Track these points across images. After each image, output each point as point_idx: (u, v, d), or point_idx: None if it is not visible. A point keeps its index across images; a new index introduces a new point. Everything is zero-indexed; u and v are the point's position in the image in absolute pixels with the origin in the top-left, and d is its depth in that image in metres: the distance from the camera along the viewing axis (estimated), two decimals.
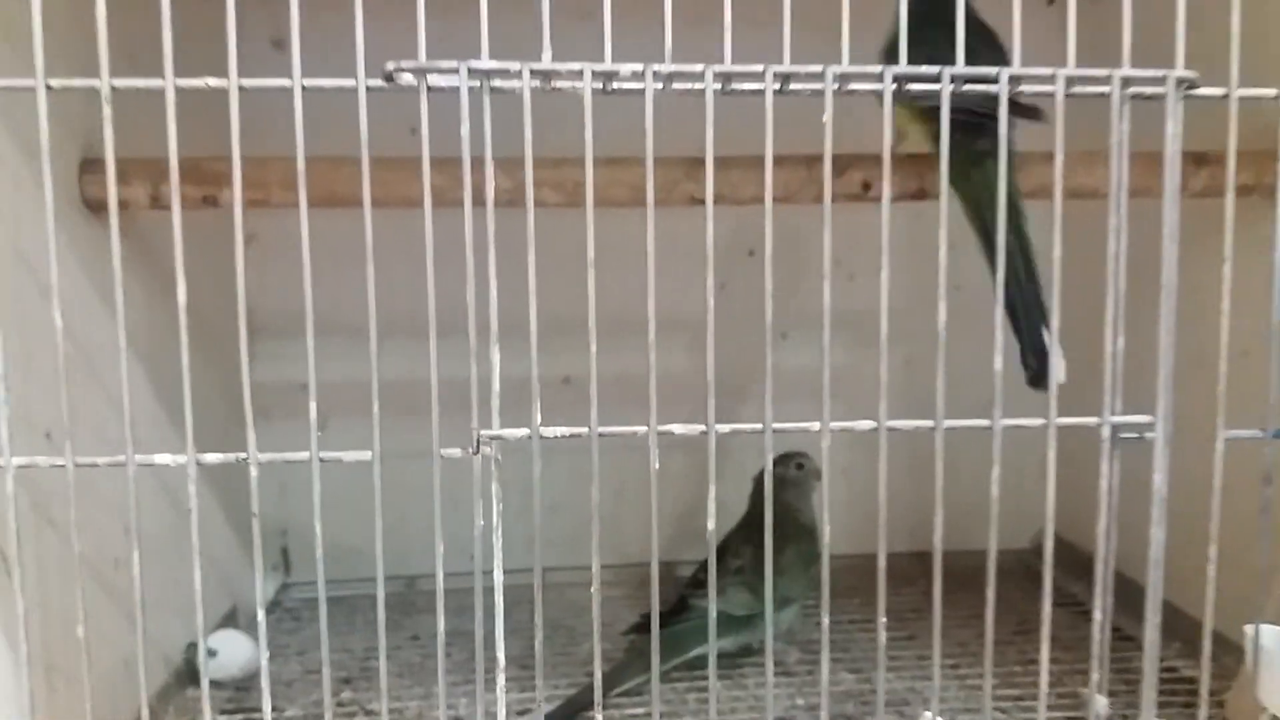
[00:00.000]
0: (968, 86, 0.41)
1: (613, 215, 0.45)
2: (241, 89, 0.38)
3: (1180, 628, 0.61)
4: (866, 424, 0.41)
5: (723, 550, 0.73)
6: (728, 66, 0.37)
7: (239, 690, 0.80)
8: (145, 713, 0.44)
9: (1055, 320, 0.43)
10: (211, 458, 0.42)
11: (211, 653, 0.77)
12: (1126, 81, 0.39)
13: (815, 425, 0.41)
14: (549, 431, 0.39)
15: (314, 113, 0.39)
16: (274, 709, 0.71)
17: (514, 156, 0.38)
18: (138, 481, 0.43)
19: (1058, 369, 0.45)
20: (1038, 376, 0.48)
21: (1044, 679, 0.40)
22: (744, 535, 0.76)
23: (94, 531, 0.56)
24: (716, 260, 0.38)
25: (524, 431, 0.38)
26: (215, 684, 0.79)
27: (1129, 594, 0.47)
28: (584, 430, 0.39)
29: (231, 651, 0.80)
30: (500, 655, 0.40)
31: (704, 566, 0.68)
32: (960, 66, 0.40)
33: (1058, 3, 0.43)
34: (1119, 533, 0.42)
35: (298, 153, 0.39)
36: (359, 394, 0.40)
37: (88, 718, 0.44)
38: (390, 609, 0.44)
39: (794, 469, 0.77)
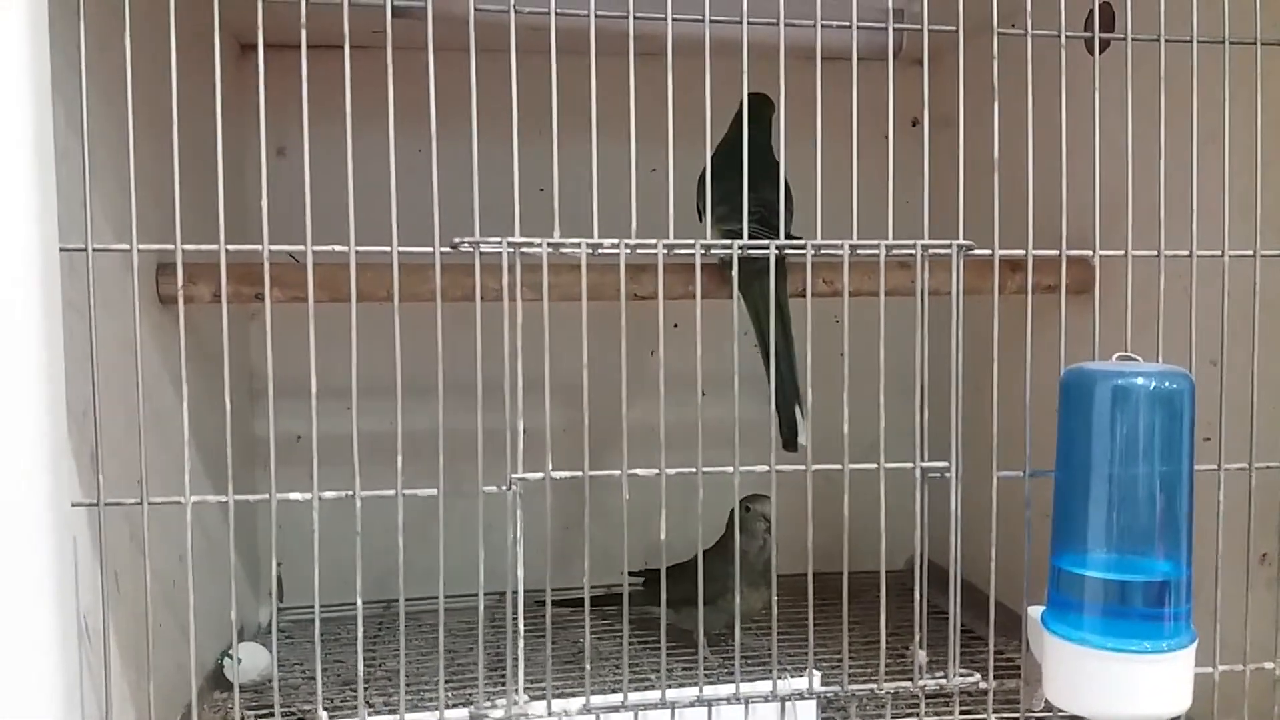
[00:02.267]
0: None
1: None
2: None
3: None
4: (761, 467, 0.63)
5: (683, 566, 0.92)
6: (671, 240, 0.59)
7: (255, 692, 0.98)
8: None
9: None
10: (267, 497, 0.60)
11: (238, 660, 0.95)
12: (925, 248, 0.61)
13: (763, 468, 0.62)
14: (557, 474, 0.59)
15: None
16: (288, 708, 0.90)
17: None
18: (176, 517, 0.60)
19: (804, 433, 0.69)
20: (789, 441, 0.72)
21: (883, 642, 0.62)
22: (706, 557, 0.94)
23: (158, 558, 0.68)
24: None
25: (539, 475, 0.58)
26: (240, 687, 0.97)
27: (971, 595, 0.69)
28: (578, 473, 0.59)
29: (252, 659, 0.98)
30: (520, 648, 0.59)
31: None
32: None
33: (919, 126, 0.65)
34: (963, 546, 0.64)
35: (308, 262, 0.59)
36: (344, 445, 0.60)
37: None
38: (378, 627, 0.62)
39: (744, 510, 0.97)
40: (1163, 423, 0.58)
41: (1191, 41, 0.67)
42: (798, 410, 0.74)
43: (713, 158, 0.69)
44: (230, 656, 0.96)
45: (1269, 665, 0.67)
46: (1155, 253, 0.67)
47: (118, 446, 0.62)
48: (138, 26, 0.57)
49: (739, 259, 0.62)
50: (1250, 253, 0.67)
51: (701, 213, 0.80)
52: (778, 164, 0.72)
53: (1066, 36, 0.66)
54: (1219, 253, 0.68)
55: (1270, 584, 0.73)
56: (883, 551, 0.63)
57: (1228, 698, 0.67)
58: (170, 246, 0.57)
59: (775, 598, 0.64)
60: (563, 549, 0.63)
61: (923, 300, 0.62)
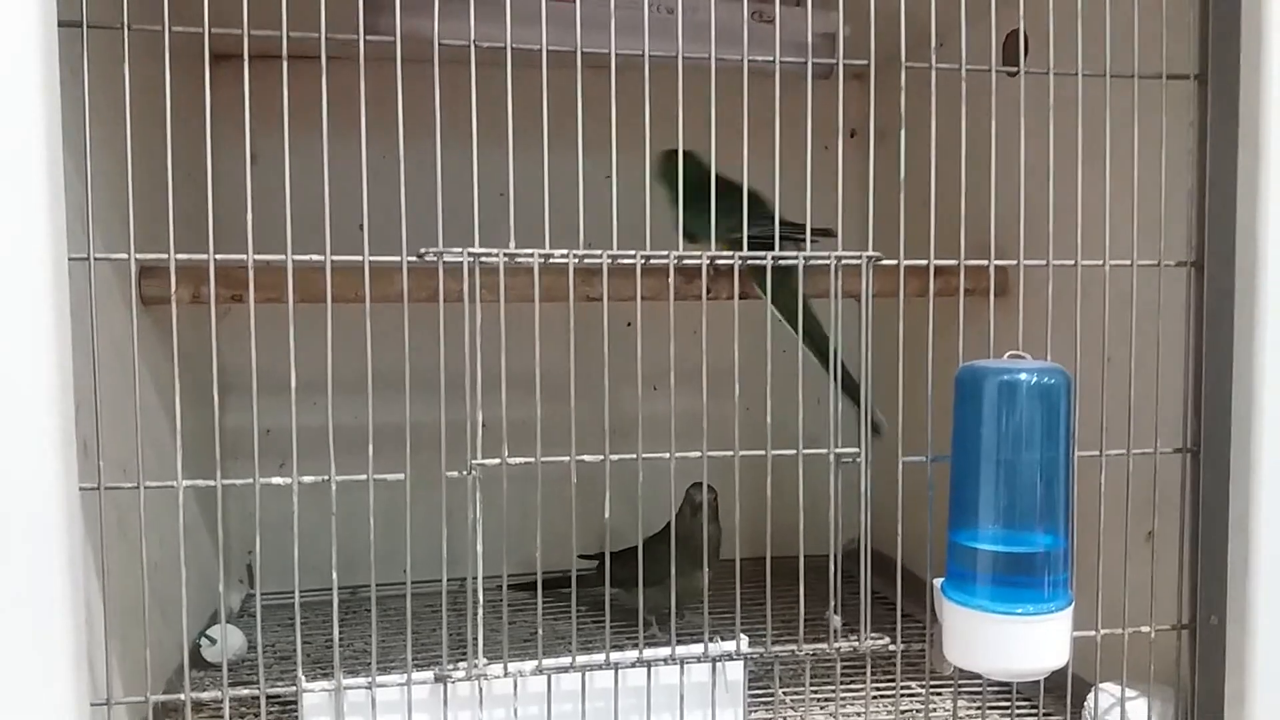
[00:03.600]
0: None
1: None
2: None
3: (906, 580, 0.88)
4: (718, 453, 0.70)
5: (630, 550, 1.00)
6: (615, 251, 0.67)
7: (231, 670, 1.04)
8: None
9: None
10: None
11: (212, 640, 1.01)
12: (839, 259, 0.70)
13: (695, 454, 0.70)
14: (513, 460, 0.66)
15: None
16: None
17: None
18: (156, 504, 0.67)
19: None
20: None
21: (801, 611, 0.70)
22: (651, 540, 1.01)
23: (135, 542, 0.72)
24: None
25: (496, 460, 0.66)
26: (214, 666, 1.03)
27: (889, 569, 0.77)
28: (531, 460, 0.67)
29: (228, 640, 1.04)
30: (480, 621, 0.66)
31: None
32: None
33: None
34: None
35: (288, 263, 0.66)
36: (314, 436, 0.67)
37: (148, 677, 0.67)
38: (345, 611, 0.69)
39: (685, 496, 1.05)
40: (1042, 413, 0.67)
41: (1077, 75, 0.75)
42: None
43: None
44: (207, 638, 1.02)
45: (1145, 629, 0.76)
46: (1044, 262, 0.75)
47: (105, 438, 0.68)
48: (113, 44, 0.63)
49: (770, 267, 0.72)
50: (1128, 263, 0.76)
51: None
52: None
53: (968, 70, 0.75)
54: (1100, 262, 0.76)
55: (1150, 558, 0.82)
56: (800, 530, 0.71)
57: (1113, 658, 0.76)
58: (164, 256, 0.64)
59: (706, 574, 0.72)
60: (528, 535, 0.70)
61: (836, 305, 0.70)
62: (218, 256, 0.65)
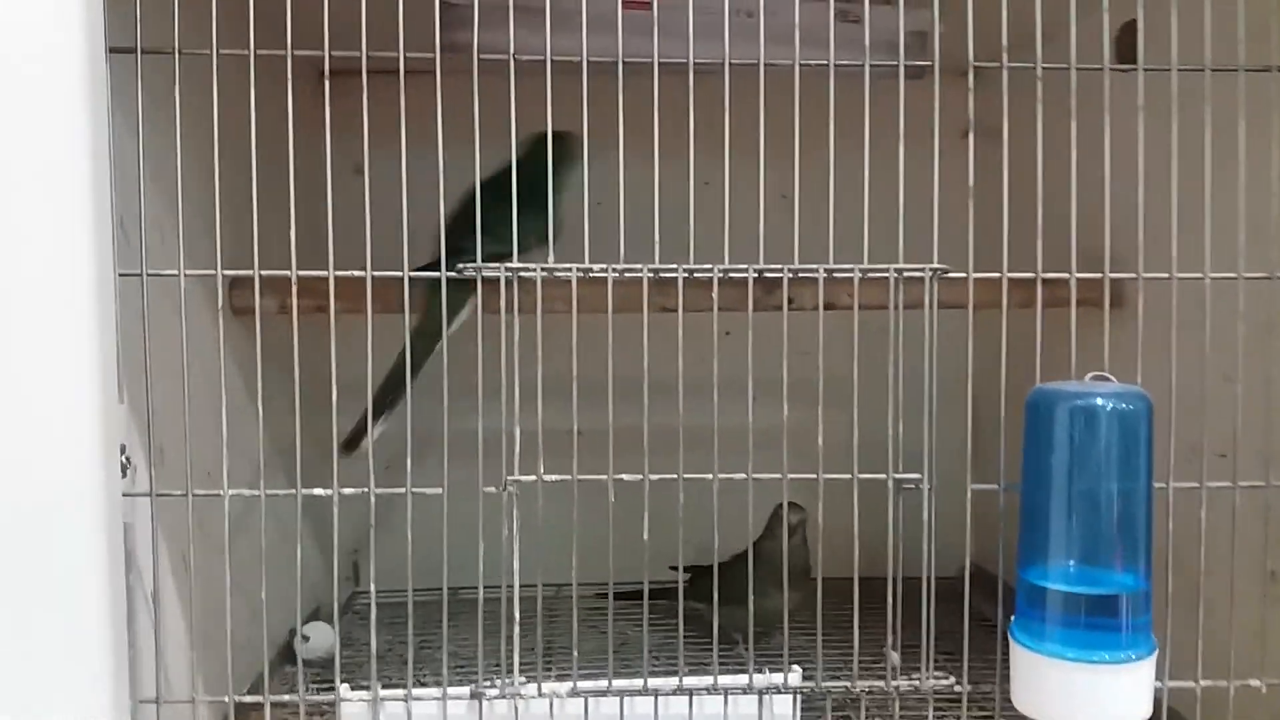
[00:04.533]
0: None
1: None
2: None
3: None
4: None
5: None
6: (656, 265, 0.64)
7: (323, 668, 1.07)
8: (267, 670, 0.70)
9: None
10: (349, 491, 0.68)
11: (305, 638, 1.04)
12: (899, 270, 0.65)
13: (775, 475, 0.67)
14: (549, 478, 0.65)
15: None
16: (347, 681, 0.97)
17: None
18: (250, 508, 0.68)
19: None
20: None
21: (856, 641, 0.66)
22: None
23: (236, 545, 0.73)
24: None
25: (532, 477, 0.64)
26: (306, 663, 1.06)
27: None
28: (568, 477, 0.65)
29: (319, 638, 1.07)
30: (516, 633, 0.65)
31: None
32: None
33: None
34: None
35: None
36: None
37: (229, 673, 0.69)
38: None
39: (773, 515, 1.02)
40: (1119, 441, 0.61)
41: (1205, 70, 0.68)
42: None
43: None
44: (301, 635, 1.05)
45: (1254, 682, 0.68)
46: (1168, 275, 0.68)
47: (197, 443, 0.69)
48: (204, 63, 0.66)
49: None
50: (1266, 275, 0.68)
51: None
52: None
53: (1078, 69, 0.68)
54: (1234, 275, 0.69)
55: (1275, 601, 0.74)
56: (893, 554, 0.67)
57: (1216, 714, 0.69)
58: (250, 271, 0.66)
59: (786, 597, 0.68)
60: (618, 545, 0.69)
61: (897, 318, 0.66)
62: (301, 273, 0.66)
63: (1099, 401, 0.61)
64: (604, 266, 0.64)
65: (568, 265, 0.64)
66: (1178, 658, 0.67)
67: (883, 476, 0.66)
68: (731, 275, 0.65)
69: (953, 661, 0.69)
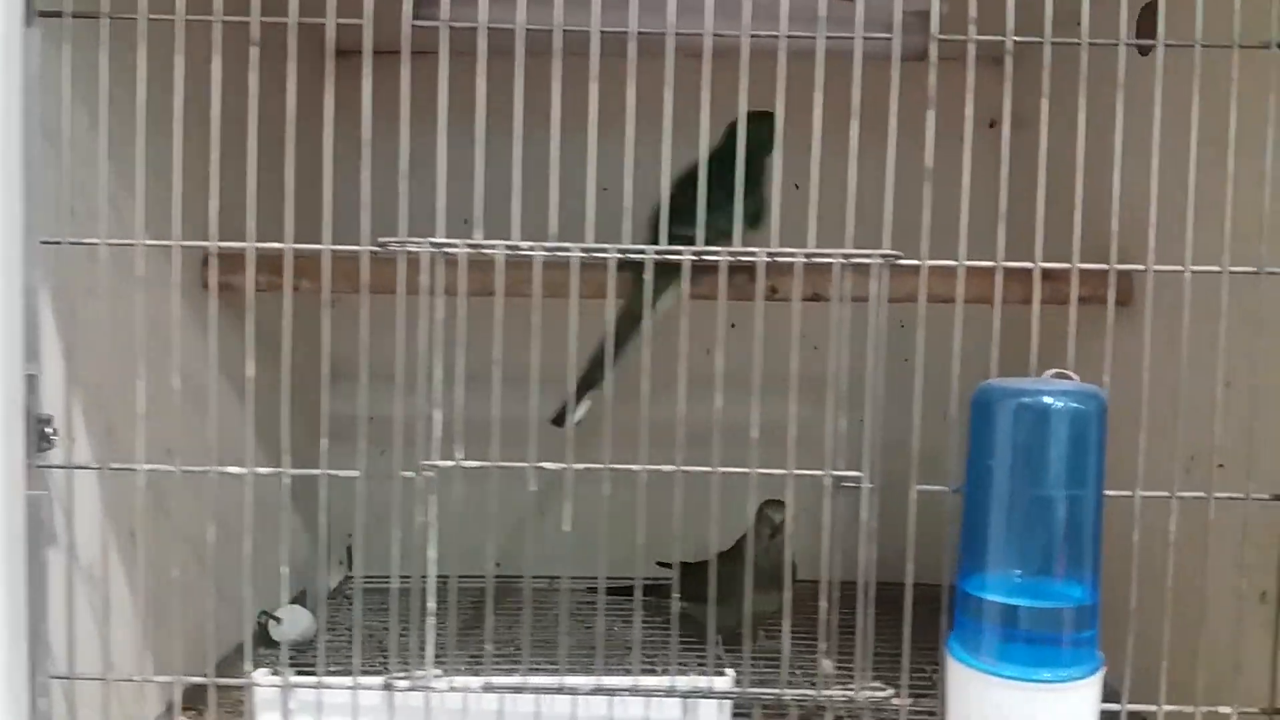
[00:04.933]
0: None
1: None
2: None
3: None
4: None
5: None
6: (589, 245, 0.61)
7: (298, 651, 1.05)
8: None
9: None
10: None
11: (278, 620, 1.03)
12: (847, 256, 0.61)
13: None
14: (468, 464, 0.62)
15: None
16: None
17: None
18: (217, 486, 0.66)
19: None
20: None
21: (786, 649, 0.62)
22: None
23: (198, 522, 0.70)
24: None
25: (451, 463, 0.62)
26: (276, 645, 1.04)
27: None
28: (486, 464, 0.62)
29: (293, 620, 1.06)
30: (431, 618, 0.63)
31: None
32: None
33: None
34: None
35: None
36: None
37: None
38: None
39: (756, 514, 0.98)
40: (1066, 444, 0.56)
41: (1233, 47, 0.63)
42: None
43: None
44: (273, 618, 1.03)
45: (1225, 709, 0.63)
46: (1182, 268, 0.64)
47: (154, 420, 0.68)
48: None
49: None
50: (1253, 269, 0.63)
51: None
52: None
53: (1090, 44, 0.64)
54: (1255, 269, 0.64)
55: (1266, 625, 0.68)
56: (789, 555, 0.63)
57: None
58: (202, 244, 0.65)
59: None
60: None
61: (843, 308, 0.62)
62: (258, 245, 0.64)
63: (1046, 400, 0.56)
64: (531, 245, 0.62)
65: (493, 242, 0.61)
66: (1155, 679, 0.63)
67: (820, 473, 0.62)
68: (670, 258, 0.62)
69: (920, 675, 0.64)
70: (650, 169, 0.64)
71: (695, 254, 0.62)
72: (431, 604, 0.62)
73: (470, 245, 0.61)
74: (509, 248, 0.62)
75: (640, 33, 0.64)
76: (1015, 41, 0.64)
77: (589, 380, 0.84)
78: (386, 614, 1.07)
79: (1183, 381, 0.64)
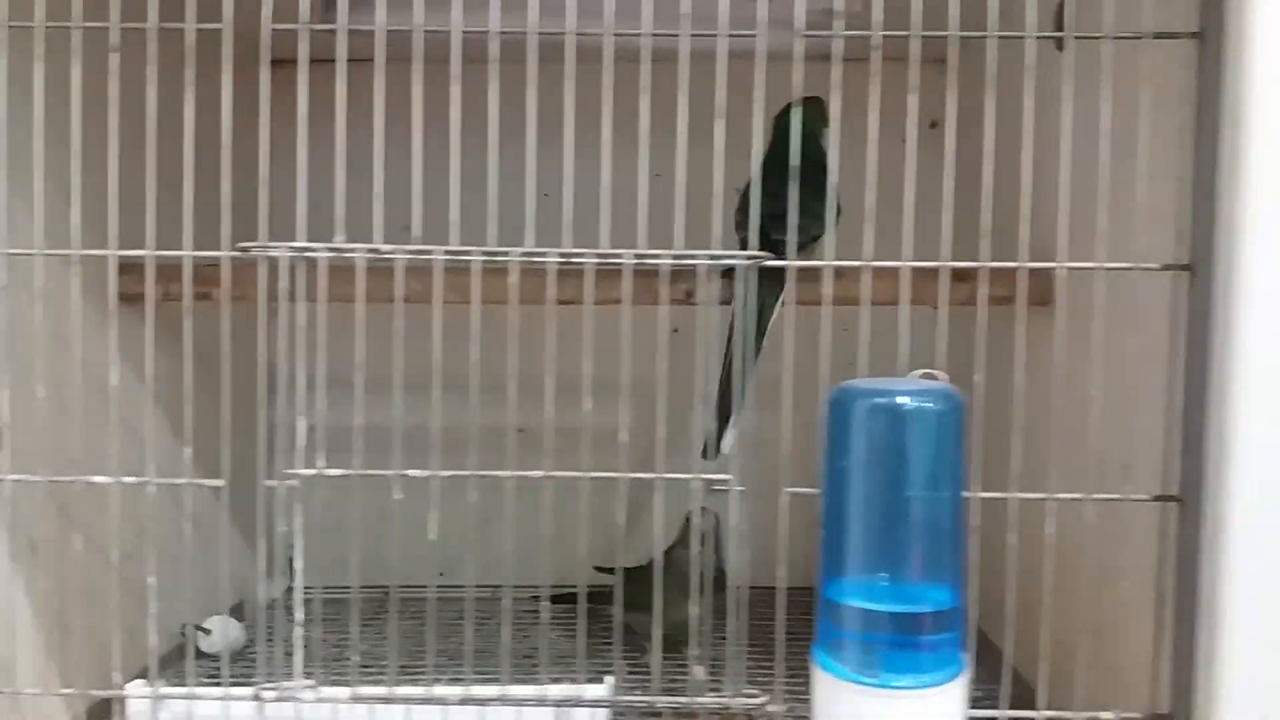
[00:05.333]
0: None
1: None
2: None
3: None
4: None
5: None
6: (453, 248, 0.61)
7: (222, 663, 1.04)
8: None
9: None
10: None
11: (206, 631, 1.03)
12: (714, 257, 0.60)
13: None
14: (331, 472, 0.62)
15: None
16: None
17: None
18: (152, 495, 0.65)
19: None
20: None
21: (657, 655, 0.61)
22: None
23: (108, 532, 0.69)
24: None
25: (313, 471, 0.61)
26: (208, 656, 1.04)
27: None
28: (350, 472, 0.62)
29: (223, 631, 1.05)
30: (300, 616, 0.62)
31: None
32: None
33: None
34: None
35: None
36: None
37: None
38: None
39: (684, 521, 0.97)
40: (921, 445, 0.55)
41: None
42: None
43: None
44: (202, 630, 1.03)
45: (1105, 715, 0.62)
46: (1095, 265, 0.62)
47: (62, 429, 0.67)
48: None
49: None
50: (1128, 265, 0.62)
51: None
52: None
53: (999, 37, 0.62)
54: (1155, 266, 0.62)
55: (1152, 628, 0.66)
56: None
57: None
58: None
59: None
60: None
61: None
62: (121, 253, 0.64)
63: (899, 401, 0.55)
64: (392, 248, 0.61)
65: (354, 246, 0.61)
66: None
67: (689, 476, 0.61)
68: (535, 261, 0.61)
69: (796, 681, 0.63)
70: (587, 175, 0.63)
71: (486, 254, 0.61)
72: (300, 615, 0.62)
73: (330, 249, 0.61)
74: (370, 251, 0.61)
75: (546, 34, 0.63)
76: (923, 36, 0.63)
77: (725, 407, 0.79)
78: (323, 624, 1.07)
79: (1095, 383, 0.63)
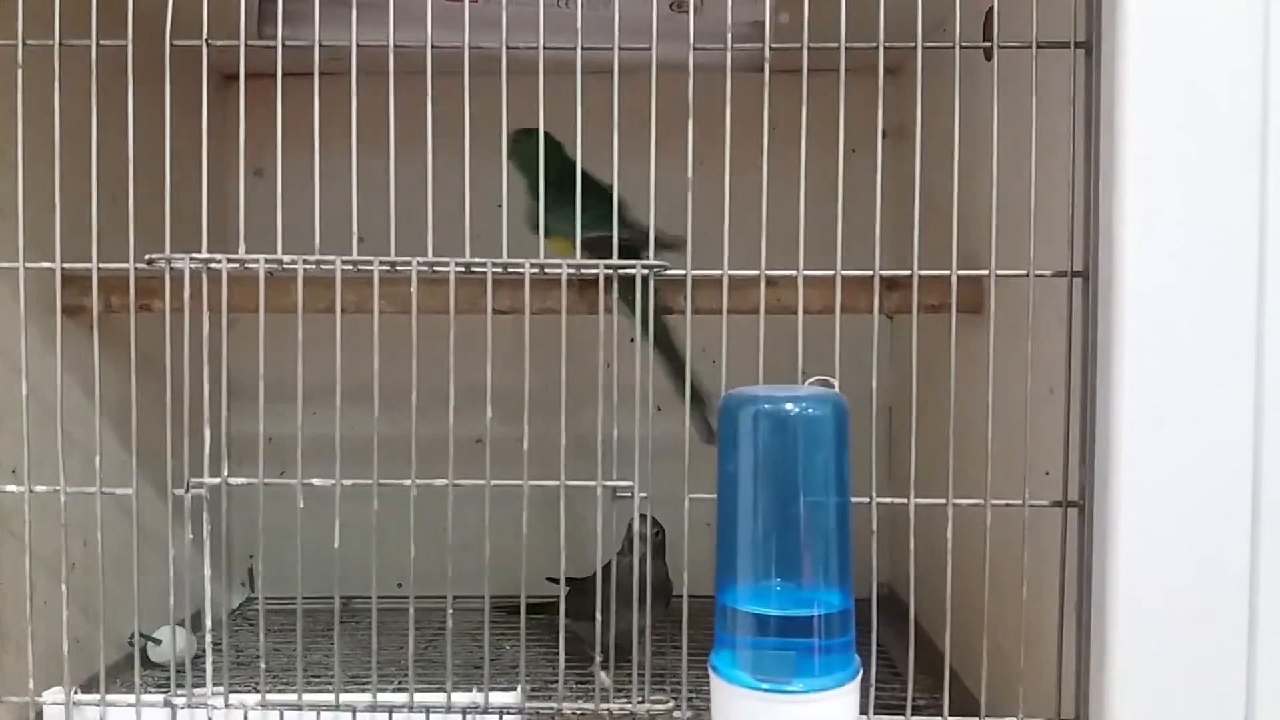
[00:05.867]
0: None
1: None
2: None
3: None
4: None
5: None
6: (353, 258, 0.61)
7: (178, 673, 1.05)
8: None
9: None
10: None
11: (156, 641, 1.03)
12: (611, 267, 0.61)
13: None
14: (234, 481, 0.63)
15: None
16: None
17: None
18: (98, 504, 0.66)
19: None
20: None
21: (561, 661, 0.62)
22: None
23: (54, 541, 0.69)
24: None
25: (217, 480, 0.62)
26: (158, 666, 1.04)
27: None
28: (255, 480, 0.63)
29: (169, 641, 1.05)
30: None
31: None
32: None
33: None
34: None
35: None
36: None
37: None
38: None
39: (628, 530, 0.98)
40: (806, 450, 0.56)
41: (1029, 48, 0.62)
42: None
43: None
44: (151, 639, 1.03)
45: None
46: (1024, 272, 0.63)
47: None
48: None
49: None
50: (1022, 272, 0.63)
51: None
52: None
53: (924, 48, 0.63)
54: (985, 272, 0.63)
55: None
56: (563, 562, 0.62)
57: None
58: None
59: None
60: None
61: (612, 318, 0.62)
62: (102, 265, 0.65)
63: (782, 406, 0.56)
64: (294, 259, 0.62)
65: (256, 256, 0.62)
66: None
67: (592, 483, 0.62)
68: (473, 270, 0.62)
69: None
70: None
71: (426, 264, 0.62)
72: (208, 622, 0.62)
73: (233, 260, 0.62)
74: (272, 261, 0.62)
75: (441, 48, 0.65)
76: (848, 48, 0.64)
77: (695, 396, 0.77)
78: (280, 635, 1.08)
79: (1025, 387, 0.63)
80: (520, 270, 0.62)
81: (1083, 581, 0.60)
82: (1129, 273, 0.54)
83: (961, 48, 0.63)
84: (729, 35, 0.65)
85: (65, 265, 0.66)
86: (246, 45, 0.64)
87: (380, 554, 0.64)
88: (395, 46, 0.64)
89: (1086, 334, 0.59)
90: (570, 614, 0.71)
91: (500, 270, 0.63)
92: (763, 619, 0.56)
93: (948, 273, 0.64)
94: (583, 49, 0.64)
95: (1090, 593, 0.58)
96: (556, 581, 0.80)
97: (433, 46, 0.65)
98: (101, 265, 0.65)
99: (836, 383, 0.59)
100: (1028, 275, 0.62)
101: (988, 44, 0.66)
